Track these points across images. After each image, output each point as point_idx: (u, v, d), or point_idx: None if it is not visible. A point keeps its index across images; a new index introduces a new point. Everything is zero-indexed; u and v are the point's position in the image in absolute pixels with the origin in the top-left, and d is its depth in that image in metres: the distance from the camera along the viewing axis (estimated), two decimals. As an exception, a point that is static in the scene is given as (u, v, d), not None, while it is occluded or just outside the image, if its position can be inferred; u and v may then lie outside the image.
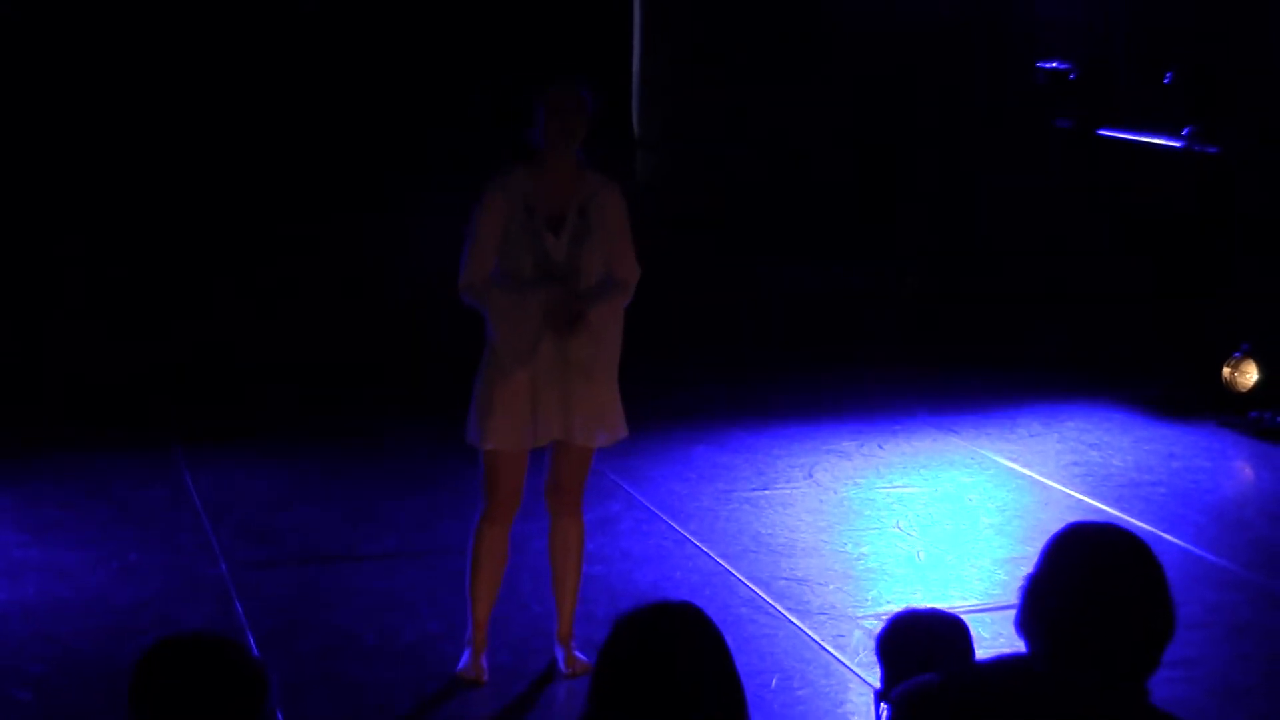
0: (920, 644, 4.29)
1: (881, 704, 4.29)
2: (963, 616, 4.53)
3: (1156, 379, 10.93)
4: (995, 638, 6.61)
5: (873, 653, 4.47)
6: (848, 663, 6.70)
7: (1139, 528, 8.22)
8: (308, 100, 12.35)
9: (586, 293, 6.28)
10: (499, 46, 12.18)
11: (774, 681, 6.53)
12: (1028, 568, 3.45)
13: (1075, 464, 9.47)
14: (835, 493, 8.91)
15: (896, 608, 7.05)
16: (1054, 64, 12.17)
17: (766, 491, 8.92)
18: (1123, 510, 8.57)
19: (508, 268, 6.30)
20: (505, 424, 6.29)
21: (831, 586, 7.53)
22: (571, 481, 6.53)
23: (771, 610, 7.25)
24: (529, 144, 6.34)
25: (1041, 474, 9.25)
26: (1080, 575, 3.36)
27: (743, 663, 3.36)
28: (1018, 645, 3.46)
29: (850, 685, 6.52)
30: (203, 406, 10.39)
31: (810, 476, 9.18)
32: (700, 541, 8.10)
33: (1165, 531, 8.26)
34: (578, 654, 6.58)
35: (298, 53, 12.36)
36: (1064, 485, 9.05)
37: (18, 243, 11.52)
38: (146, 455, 9.40)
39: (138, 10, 12.11)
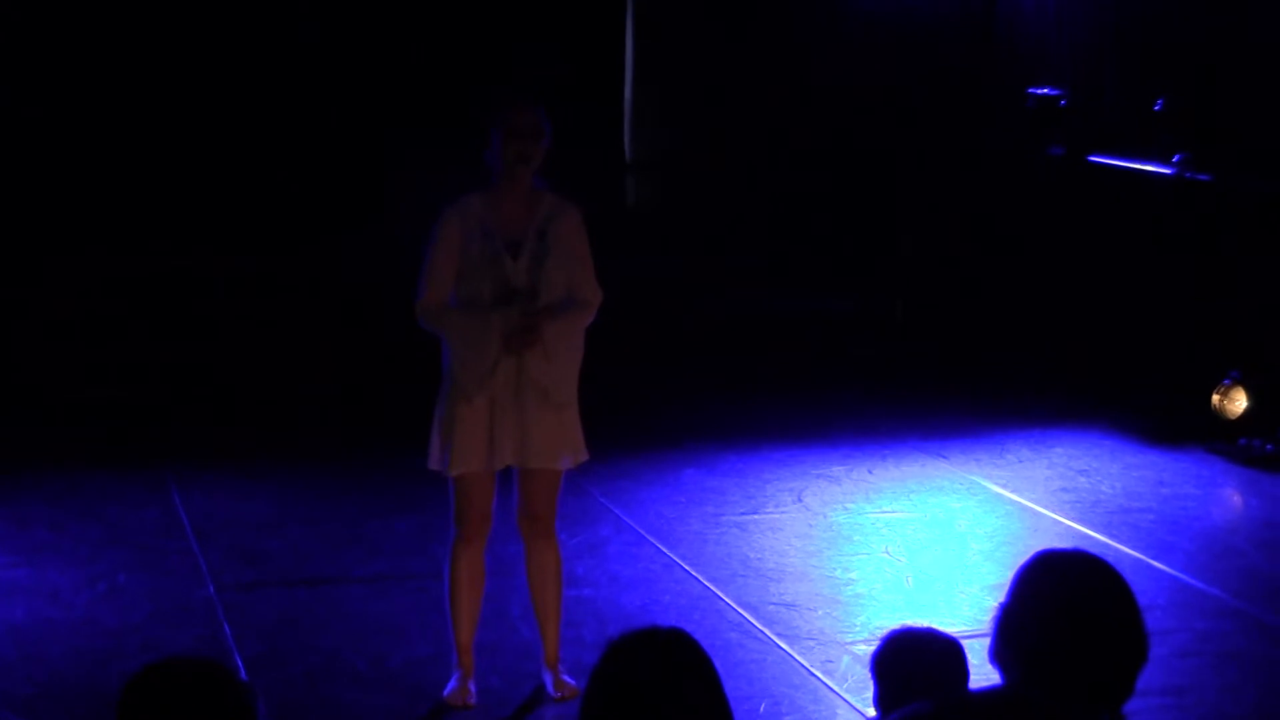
0: (915, 663, 4.27)
1: None
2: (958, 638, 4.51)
3: (1145, 405, 10.91)
4: (984, 664, 6.58)
5: (866, 670, 4.45)
6: (836, 688, 6.69)
7: (1128, 555, 8.22)
8: (297, 119, 12.35)
9: (544, 309, 6.26)
10: (493, 71, 12.18)
11: (762, 707, 6.52)
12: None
13: (1064, 490, 9.46)
14: (825, 517, 8.90)
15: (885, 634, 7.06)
16: (1045, 90, 12.18)
17: (756, 516, 8.91)
18: (1112, 537, 8.56)
19: (467, 293, 6.28)
20: (467, 448, 6.28)
21: (820, 612, 7.52)
22: (541, 506, 6.49)
23: (760, 635, 7.24)
24: (485, 167, 6.32)
25: (1030, 500, 9.24)
26: (1051, 603, 3.35)
27: (731, 688, 3.35)
28: (1007, 673, 3.45)
29: (839, 711, 6.50)
30: (193, 428, 10.35)
31: (800, 501, 9.17)
32: (689, 565, 8.09)
33: (1155, 559, 8.25)
34: (566, 678, 6.56)
35: (297, 77, 12.37)
36: (1053, 511, 9.04)
37: (7, 261, 11.51)
38: (137, 477, 9.37)
39: (137, 28, 12.11)
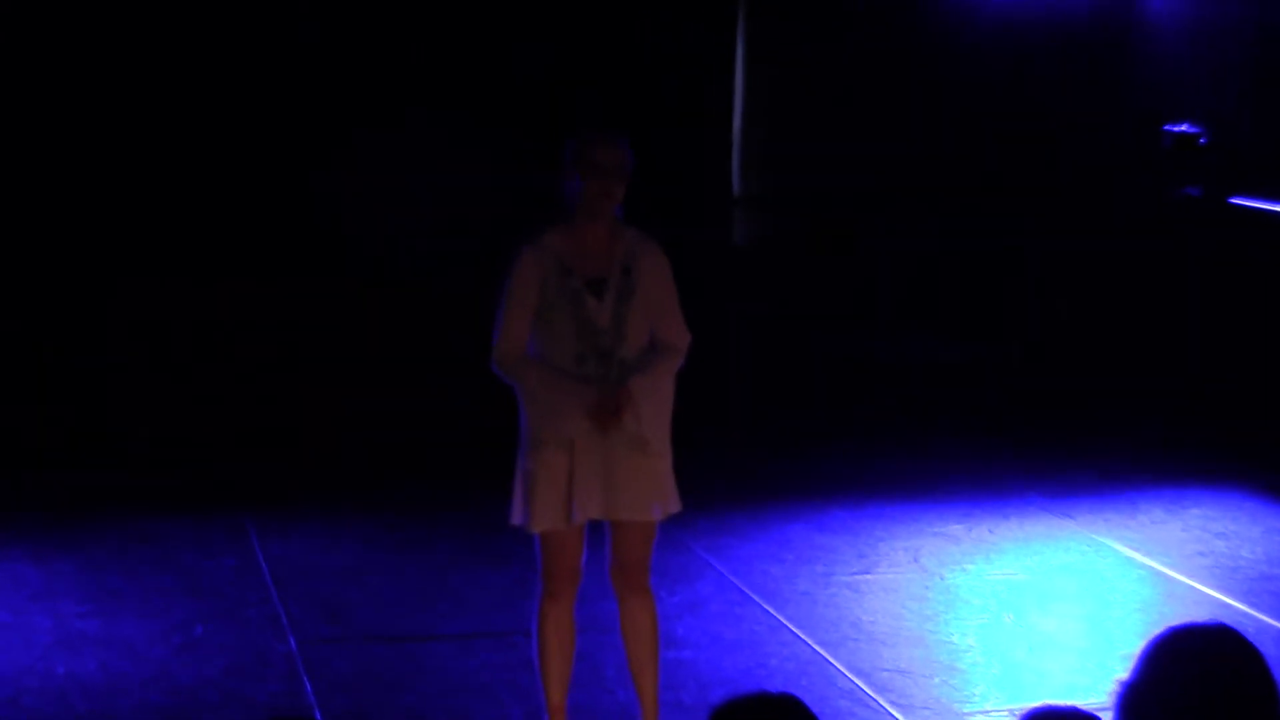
0: None
1: None
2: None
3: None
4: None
5: None
6: (953, 762, 6.65)
7: (1270, 625, 8.11)
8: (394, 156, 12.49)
9: (631, 364, 6.24)
10: (606, 103, 12.26)
11: (874, 780, 6.48)
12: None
13: (1201, 554, 9.35)
14: (942, 578, 8.85)
15: (1004, 705, 7.01)
16: (1183, 127, 12.10)
17: (868, 575, 8.87)
18: (1252, 605, 8.46)
19: (547, 334, 6.27)
20: (547, 503, 6.28)
21: (936, 679, 7.47)
22: (634, 559, 6.48)
23: (873, 703, 7.21)
24: (563, 200, 6.32)
25: (1164, 564, 9.15)
26: (1179, 685, 3.29)
27: (844, 760, 3.34)
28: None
29: (955, 786, 6.46)
30: (273, 471, 10.43)
31: (915, 560, 9.13)
32: (796, 627, 8.06)
33: (1298, 629, 8.15)
34: (666, 744, 6.55)
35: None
36: (1189, 577, 8.94)
37: (78, 303, 11.69)
38: (214, 522, 9.45)
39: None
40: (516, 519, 6.40)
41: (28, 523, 9.36)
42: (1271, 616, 8.28)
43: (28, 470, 10.21)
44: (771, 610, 8.29)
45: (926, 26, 13.27)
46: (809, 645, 7.85)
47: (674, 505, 6.44)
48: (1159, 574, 9.03)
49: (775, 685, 7.15)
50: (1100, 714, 4.42)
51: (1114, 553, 9.34)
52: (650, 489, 6.34)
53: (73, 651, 7.57)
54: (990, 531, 9.67)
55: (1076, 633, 8.10)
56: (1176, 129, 12.16)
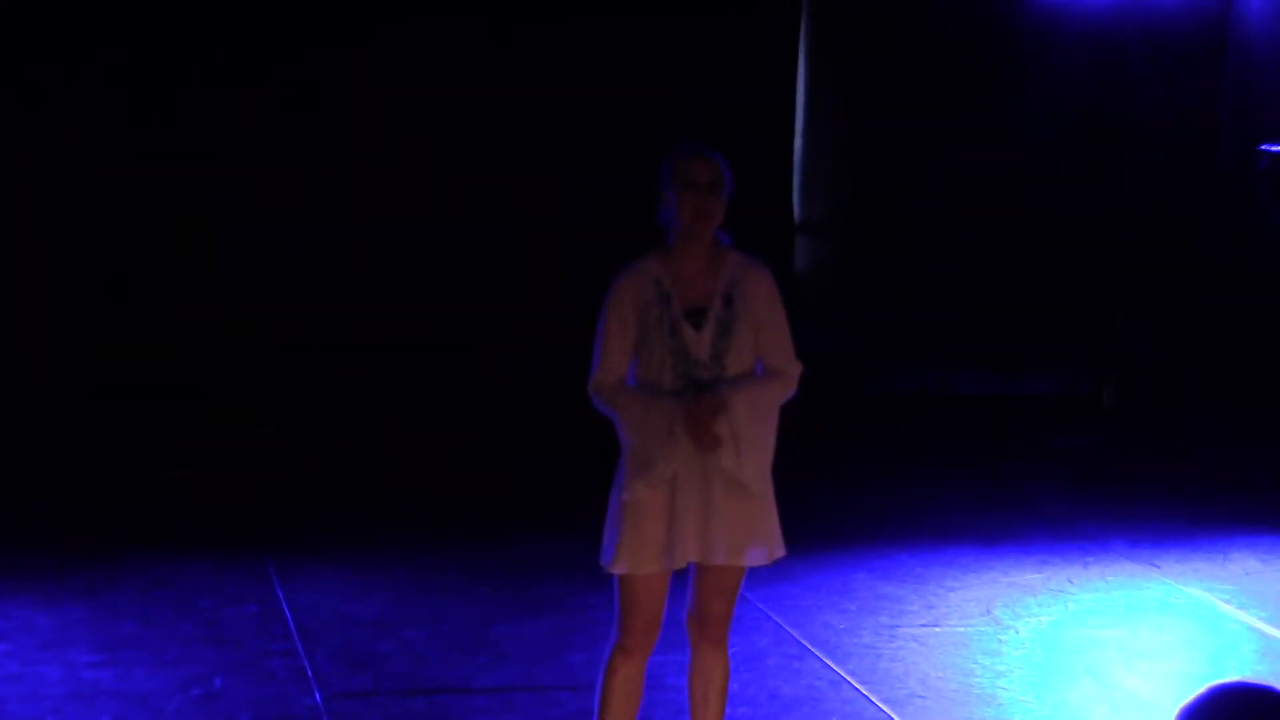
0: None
1: None
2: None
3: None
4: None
5: None
6: (1030, 831, 6.61)
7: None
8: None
9: (731, 383, 6.19)
10: (661, 129, 12.34)
11: None
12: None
13: (1299, 608, 9.32)
14: (1017, 633, 8.81)
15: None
16: (1279, 148, 12.07)
17: (937, 629, 8.84)
18: (1354, 664, 8.41)
19: (646, 367, 6.26)
20: (638, 544, 6.21)
21: (1012, 742, 7.45)
22: (718, 609, 6.43)
23: (942, 767, 7.19)
24: (659, 225, 6.31)
25: (1259, 619, 9.08)
26: None
27: (916, 830, 3.32)
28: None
29: None
30: (298, 513, 10.45)
31: (988, 612, 9.09)
32: (859, 683, 8.02)
33: (1404, 690, 8.06)
34: (723, 811, 6.51)
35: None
36: (1285, 632, 8.91)
37: (97, 341, 11.78)
38: (235, 567, 9.47)
39: None
40: (604, 557, 6.34)
41: (37, 565, 9.40)
42: (1376, 676, 8.23)
43: (38, 509, 10.24)
44: (832, 665, 8.26)
45: (1007, 43, 13.26)
46: (873, 703, 7.80)
47: (778, 549, 6.39)
48: (1255, 630, 8.96)
49: (838, 747, 7.13)
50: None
51: (1204, 605, 9.29)
52: (750, 532, 6.28)
53: (85, 704, 7.55)
54: (1070, 581, 9.63)
55: (1164, 693, 8.01)
56: (1275, 149, 12.12)
